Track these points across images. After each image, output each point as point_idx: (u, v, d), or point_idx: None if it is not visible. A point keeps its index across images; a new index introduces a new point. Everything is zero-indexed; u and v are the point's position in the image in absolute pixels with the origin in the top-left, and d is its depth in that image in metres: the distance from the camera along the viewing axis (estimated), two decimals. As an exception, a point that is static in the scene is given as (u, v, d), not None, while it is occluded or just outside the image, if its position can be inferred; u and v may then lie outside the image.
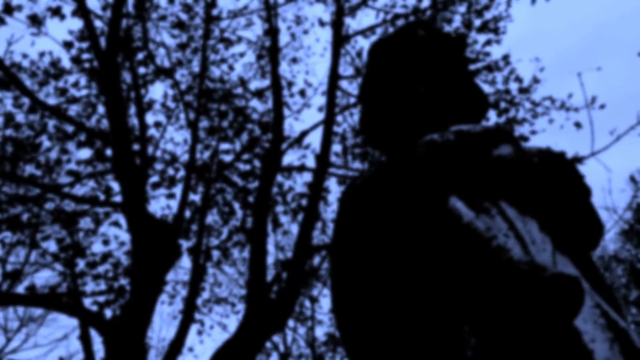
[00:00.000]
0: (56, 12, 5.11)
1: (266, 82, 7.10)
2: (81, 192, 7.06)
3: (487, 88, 7.18)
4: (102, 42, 6.57)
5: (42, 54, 6.03)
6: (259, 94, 6.87)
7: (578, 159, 5.74)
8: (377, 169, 0.90)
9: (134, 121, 6.91)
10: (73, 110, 6.97)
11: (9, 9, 4.74)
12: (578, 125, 6.61)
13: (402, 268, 0.72)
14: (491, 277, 0.62)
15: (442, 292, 0.67)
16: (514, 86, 6.85)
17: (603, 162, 4.28)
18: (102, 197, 6.87)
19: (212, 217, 7.24)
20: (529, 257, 0.62)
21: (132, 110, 7.06)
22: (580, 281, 0.59)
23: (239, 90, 6.80)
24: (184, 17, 6.63)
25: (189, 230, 7.03)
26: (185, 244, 8.65)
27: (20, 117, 5.99)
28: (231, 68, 7.05)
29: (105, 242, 6.76)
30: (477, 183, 0.79)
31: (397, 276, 0.71)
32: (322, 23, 6.70)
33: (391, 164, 0.86)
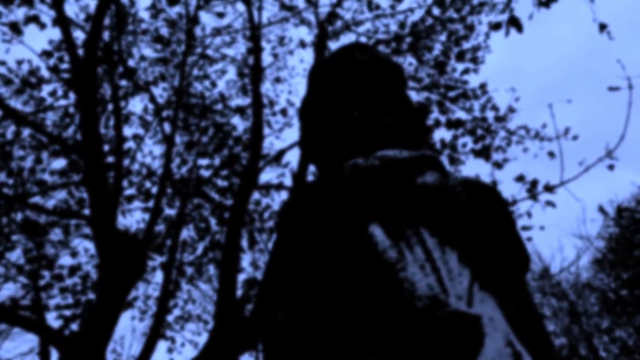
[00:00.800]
0: (33, 19, 5.08)
1: (248, 100, 7.13)
2: (54, 202, 6.94)
3: (464, 115, 7.32)
4: (82, 52, 6.54)
5: (20, 62, 5.98)
6: (240, 110, 6.88)
7: (549, 188, 5.85)
8: (307, 189, 0.90)
9: (112, 133, 6.86)
10: (50, 119, 6.89)
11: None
12: (551, 154, 6.74)
13: (321, 292, 0.72)
14: (393, 311, 0.62)
15: (353, 320, 0.67)
16: (490, 114, 6.98)
17: (572, 192, 4.36)
18: (75, 208, 6.77)
19: (187, 233, 7.17)
20: (432, 292, 0.62)
21: (112, 122, 7.01)
22: (479, 320, 0.59)
23: (220, 107, 6.81)
24: (166, 31, 6.65)
25: (164, 245, 6.94)
26: (159, 259, 8.54)
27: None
28: (213, 85, 7.07)
29: (74, 255, 6.63)
30: (399, 210, 0.79)
31: (316, 299, 0.72)
32: (303, 44, 6.78)
33: (317, 187, 0.86)
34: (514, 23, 3.99)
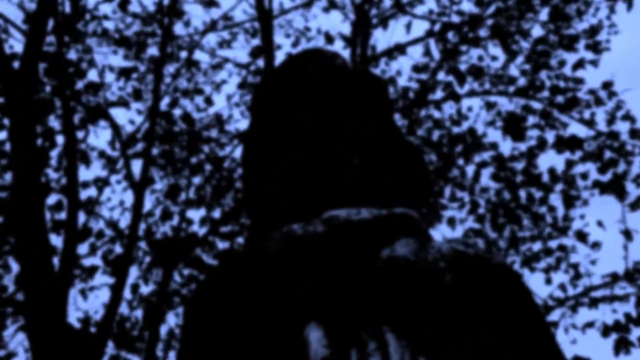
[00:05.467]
0: None
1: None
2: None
3: (581, 131, 4.96)
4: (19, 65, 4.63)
5: None
6: (245, 136, 4.74)
7: None
8: (224, 271, 0.78)
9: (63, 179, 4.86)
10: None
11: None
12: None
13: None
14: None
15: None
16: (623, 127, 4.62)
17: None
18: (11, 289, 4.81)
19: (176, 320, 5.04)
20: None
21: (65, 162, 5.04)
22: None
23: (215, 133, 4.72)
24: (133, 28, 4.63)
25: (142, 338, 4.80)
26: None
27: None
28: (208, 102, 4.99)
29: (10, 356, 4.64)
30: (353, 301, 0.65)
31: None
32: (330, 39, 4.55)
33: (235, 270, 0.72)
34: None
